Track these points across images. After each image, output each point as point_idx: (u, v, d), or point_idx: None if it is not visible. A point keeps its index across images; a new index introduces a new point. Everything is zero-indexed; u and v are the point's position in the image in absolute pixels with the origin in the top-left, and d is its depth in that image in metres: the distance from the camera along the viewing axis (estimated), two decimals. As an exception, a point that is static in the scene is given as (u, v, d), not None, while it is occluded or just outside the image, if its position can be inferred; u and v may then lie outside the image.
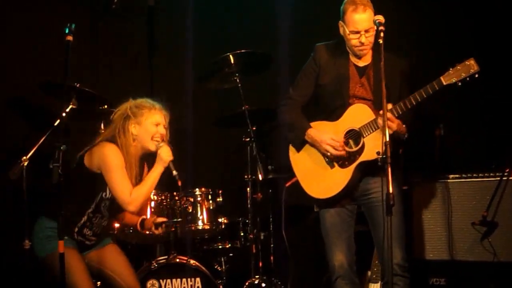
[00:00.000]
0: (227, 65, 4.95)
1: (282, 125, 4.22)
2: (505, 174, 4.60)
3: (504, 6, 5.16)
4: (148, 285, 4.45)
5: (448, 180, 4.88)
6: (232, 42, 5.64)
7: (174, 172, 3.96)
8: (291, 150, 4.19)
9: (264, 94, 5.82)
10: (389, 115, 3.76)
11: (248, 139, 5.02)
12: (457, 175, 4.88)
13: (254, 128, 4.95)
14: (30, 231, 3.95)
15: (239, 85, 4.94)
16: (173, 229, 4.18)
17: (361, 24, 3.90)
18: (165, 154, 3.94)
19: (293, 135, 4.13)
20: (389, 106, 3.83)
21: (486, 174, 4.79)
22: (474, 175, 4.83)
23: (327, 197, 4.05)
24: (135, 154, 3.96)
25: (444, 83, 3.79)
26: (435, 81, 3.80)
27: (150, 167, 4.03)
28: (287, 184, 4.80)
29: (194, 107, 5.85)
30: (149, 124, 3.96)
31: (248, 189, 5.12)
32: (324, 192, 4.06)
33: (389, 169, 3.38)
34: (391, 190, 3.35)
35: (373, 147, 3.82)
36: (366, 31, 3.91)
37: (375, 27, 3.82)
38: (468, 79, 3.78)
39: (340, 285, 4.08)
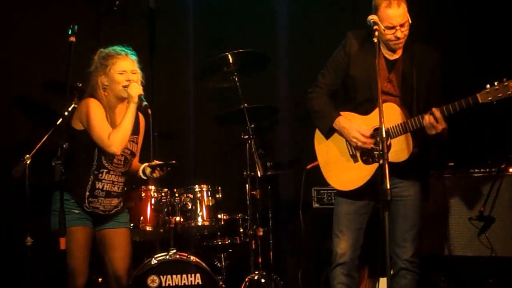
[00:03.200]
0: (226, 64, 4.98)
1: (309, 113, 4.14)
2: (502, 169, 4.62)
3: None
4: (149, 281, 4.46)
5: (445, 176, 4.89)
6: (231, 42, 5.67)
7: (144, 103, 4.00)
8: (316, 138, 4.17)
9: (262, 92, 5.85)
10: (438, 115, 3.72)
11: (246, 137, 5.02)
12: (454, 171, 4.89)
13: (252, 126, 4.96)
14: (32, 228, 4.02)
15: (238, 83, 4.97)
16: (169, 168, 4.14)
17: (396, 19, 3.82)
18: (134, 91, 4.00)
19: (321, 122, 4.08)
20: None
21: (482, 170, 4.78)
22: (471, 170, 4.83)
23: (345, 189, 4.04)
24: (112, 103, 4.07)
25: (480, 101, 3.69)
26: (471, 98, 3.70)
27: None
28: (308, 167, 4.84)
29: (194, 105, 5.90)
30: (115, 73, 4.04)
31: (247, 185, 5.14)
32: (343, 184, 4.05)
33: (386, 165, 3.33)
34: (388, 186, 3.30)
35: (399, 149, 3.79)
36: (401, 25, 3.83)
37: (410, 20, 3.83)
38: (504, 99, 3.67)
39: (338, 274, 4.06)
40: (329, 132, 4.08)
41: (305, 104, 4.17)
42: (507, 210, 4.63)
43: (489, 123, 5.21)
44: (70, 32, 3.62)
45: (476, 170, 4.82)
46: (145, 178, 4.22)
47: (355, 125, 3.94)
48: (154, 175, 4.15)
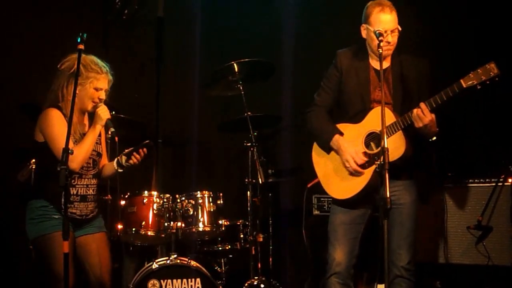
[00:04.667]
0: (231, 73, 5.04)
1: (309, 132, 4.23)
2: (500, 180, 4.66)
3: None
4: (149, 285, 4.49)
5: (445, 185, 4.95)
6: (236, 51, 5.74)
7: (112, 129, 4.01)
8: (314, 153, 4.24)
9: (265, 101, 5.91)
10: (423, 106, 3.78)
11: (249, 144, 5.07)
12: (453, 181, 4.95)
13: (255, 134, 5.01)
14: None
15: (242, 92, 5.02)
16: (145, 149, 4.13)
17: (388, 24, 3.93)
18: (103, 113, 4.01)
19: (320, 140, 4.18)
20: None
21: (481, 180, 4.85)
22: (470, 180, 4.89)
23: (345, 197, 4.08)
24: (77, 109, 4.02)
25: (464, 86, 3.74)
26: (455, 84, 3.77)
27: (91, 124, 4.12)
28: (309, 185, 4.90)
29: (198, 113, 5.96)
30: (91, 88, 4.02)
31: (248, 192, 5.20)
32: (343, 193, 4.09)
33: (387, 175, 3.40)
34: (388, 194, 3.36)
35: (393, 148, 3.80)
36: (392, 31, 3.94)
37: (399, 28, 3.93)
38: (488, 82, 3.73)
39: (333, 283, 4.10)
40: (329, 149, 4.15)
41: (304, 124, 4.23)
42: (505, 219, 4.66)
43: (489, 134, 5.24)
44: (79, 40, 3.63)
45: (475, 180, 4.88)
46: (121, 170, 4.19)
47: (351, 150, 4.00)
48: (132, 162, 4.15)
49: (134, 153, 4.14)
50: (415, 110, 3.82)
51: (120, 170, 4.20)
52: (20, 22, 5.40)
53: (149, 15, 6.07)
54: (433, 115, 3.82)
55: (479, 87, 3.75)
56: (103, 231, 4.25)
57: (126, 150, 4.16)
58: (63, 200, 3.88)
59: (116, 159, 4.20)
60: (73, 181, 4.02)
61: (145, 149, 4.16)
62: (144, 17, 6.11)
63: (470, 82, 3.75)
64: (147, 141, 4.17)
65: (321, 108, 4.19)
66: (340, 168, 4.10)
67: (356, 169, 3.98)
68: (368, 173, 3.99)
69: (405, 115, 3.89)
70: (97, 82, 4.04)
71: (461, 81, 3.76)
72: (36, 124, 4.01)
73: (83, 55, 4.00)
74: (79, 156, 3.92)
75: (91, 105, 4.07)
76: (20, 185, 4.25)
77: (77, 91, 3.92)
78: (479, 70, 3.75)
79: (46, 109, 4.00)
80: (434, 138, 3.95)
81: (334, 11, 6.04)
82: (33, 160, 4.21)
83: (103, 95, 4.09)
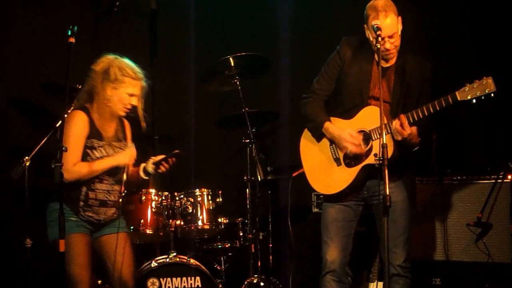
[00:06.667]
0: (227, 67, 4.99)
1: (303, 118, 4.16)
2: (500, 176, 4.65)
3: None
4: (149, 283, 4.50)
5: (444, 182, 4.94)
6: (232, 45, 5.69)
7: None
8: (302, 144, 4.20)
9: (263, 96, 5.88)
10: (402, 119, 3.72)
11: (247, 141, 5.05)
12: (453, 177, 4.94)
13: (253, 130, 4.98)
14: (31, 230, 3.97)
15: (239, 87, 4.98)
16: (174, 159, 4.11)
17: (383, 31, 3.76)
18: (125, 158, 4.00)
19: (311, 127, 4.11)
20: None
21: (481, 176, 4.84)
22: (469, 177, 4.88)
23: (328, 193, 4.05)
24: (108, 112, 4.02)
25: (459, 99, 3.67)
26: (450, 95, 3.68)
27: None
28: (294, 174, 4.83)
29: (195, 109, 5.91)
30: (125, 93, 4.01)
31: (247, 189, 5.17)
32: (326, 188, 4.06)
33: (386, 171, 3.36)
34: (387, 192, 3.32)
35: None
36: (390, 36, 3.82)
37: (399, 31, 3.83)
38: (483, 98, 3.65)
39: (328, 281, 4.09)
40: (320, 137, 4.10)
41: (299, 110, 4.17)
42: (505, 216, 4.68)
43: (488, 130, 5.25)
44: (69, 33, 3.58)
45: (475, 177, 4.87)
46: (147, 177, 4.17)
47: (344, 134, 3.93)
48: (160, 170, 4.12)
49: (163, 162, 4.12)
50: (394, 122, 3.77)
51: (146, 178, 4.18)
52: (10, 16, 5.32)
53: (142, 8, 6.00)
54: (413, 128, 3.76)
55: (473, 101, 3.68)
56: (125, 231, 4.20)
57: (155, 158, 4.13)
58: (81, 203, 3.93)
59: (142, 167, 4.16)
60: (92, 185, 3.98)
61: (173, 158, 4.13)
62: (137, 9, 6.03)
63: (465, 96, 3.67)
64: (176, 151, 4.14)
65: (318, 96, 4.11)
66: (326, 161, 4.07)
67: (357, 151, 3.89)
68: (354, 171, 3.96)
69: (388, 122, 3.82)
70: (131, 87, 4.02)
71: (456, 93, 3.69)
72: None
73: (118, 58, 4.06)
74: (76, 173, 3.87)
75: (122, 110, 4.04)
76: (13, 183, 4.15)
77: (110, 94, 3.98)
78: (475, 84, 3.66)
79: (73, 110, 3.98)
80: (417, 148, 3.89)
81: (332, 4, 6.01)
82: (26, 158, 4.14)
83: (135, 101, 4.06)
